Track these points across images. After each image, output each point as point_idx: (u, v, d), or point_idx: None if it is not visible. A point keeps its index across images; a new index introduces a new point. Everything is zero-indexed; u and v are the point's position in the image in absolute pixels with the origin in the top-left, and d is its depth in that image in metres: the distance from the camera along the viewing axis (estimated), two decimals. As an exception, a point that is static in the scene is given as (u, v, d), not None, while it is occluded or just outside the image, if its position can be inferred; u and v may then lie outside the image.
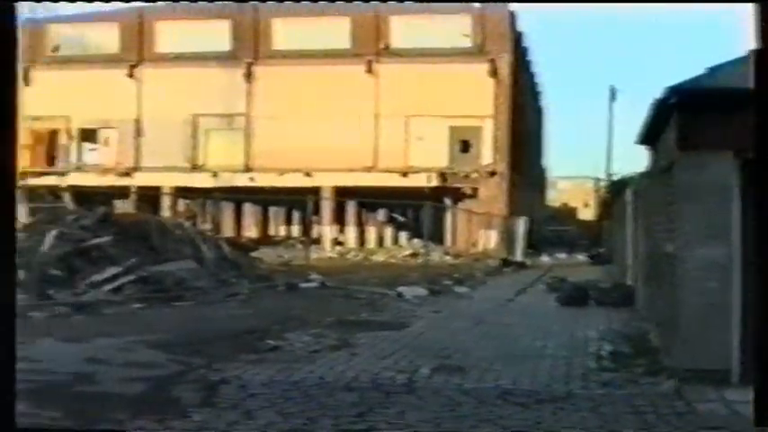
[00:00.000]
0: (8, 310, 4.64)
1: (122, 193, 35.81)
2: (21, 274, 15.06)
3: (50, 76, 42.94)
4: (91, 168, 43.95)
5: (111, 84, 42.79)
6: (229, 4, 38.31)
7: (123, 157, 44.11)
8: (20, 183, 40.01)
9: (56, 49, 44.99)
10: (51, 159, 45.23)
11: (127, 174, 42.74)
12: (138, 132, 43.90)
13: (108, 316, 13.25)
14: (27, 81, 41.79)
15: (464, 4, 40.40)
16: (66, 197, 37.87)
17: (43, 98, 41.20)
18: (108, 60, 43.66)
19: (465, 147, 41.99)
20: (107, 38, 44.29)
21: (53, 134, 44.99)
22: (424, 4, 40.79)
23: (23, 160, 41.31)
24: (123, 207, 30.73)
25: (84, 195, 32.79)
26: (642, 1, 7.34)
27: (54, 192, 39.53)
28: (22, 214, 36.45)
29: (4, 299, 4.58)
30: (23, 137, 41.87)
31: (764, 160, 4.24)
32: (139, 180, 41.36)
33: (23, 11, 48.79)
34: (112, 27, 44.10)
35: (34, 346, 9.96)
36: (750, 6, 4.53)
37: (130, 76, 43.65)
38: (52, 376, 8.22)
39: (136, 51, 43.94)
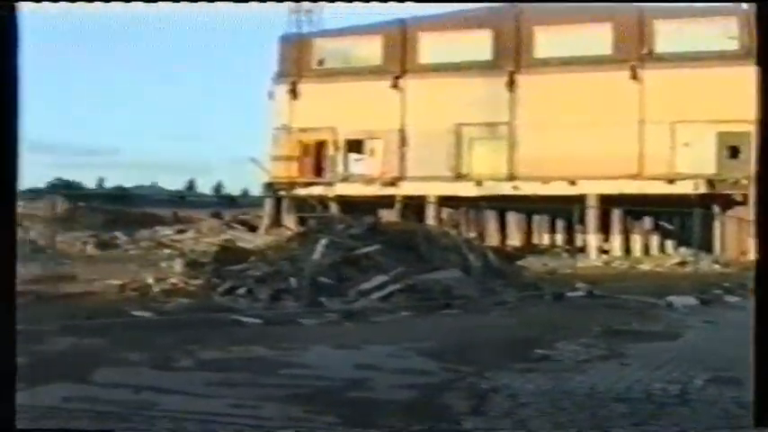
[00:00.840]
0: (8, 311, 4.69)
1: (387, 202, 36.94)
2: (292, 282, 16.04)
3: (316, 89, 45.11)
4: (357, 178, 45.70)
5: (375, 95, 44.30)
6: (491, 13, 38.60)
7: (388, 166, 45.51)
8: (289, 192, 42.44)
9: (321, 62, 47.25)
10: (319, 170, 47.53)
11: (392, 183, 44.04)
12: (403, 142, 45.14)
13: (377, 323, 13.67)
14: (295, 95, 44.25)
15: (732, 4, 38.62)
16: (333, 207, 39.66)
17: (310, 110, 43.43)
18: (372, 72, 45.22)
19: (733, 152, 39.95)
20: (370, 50, 45.93)
21: (320, 145, 47.23)
22: (687, 5, 39.36)
23: (293, 171, 43.83)
24: (388, 216, 31.74)
25: (350, 205, 34.19)
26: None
27: (322, 201, 41.52)
28: (292, 223, 38.72)
29: (4, 299, 4.62)
30: (293, 148, 44.40)
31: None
32: (404, 189, 42.50)
33: (296, 22, 51.65)
34: (376, 39, 45.66)
35: (307, 353, 10.49)
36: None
37: (394, 87, 44.97)
38: (325, 382, 8.59)
39: (399, 63, 45.22)
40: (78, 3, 4.86)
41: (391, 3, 4.86)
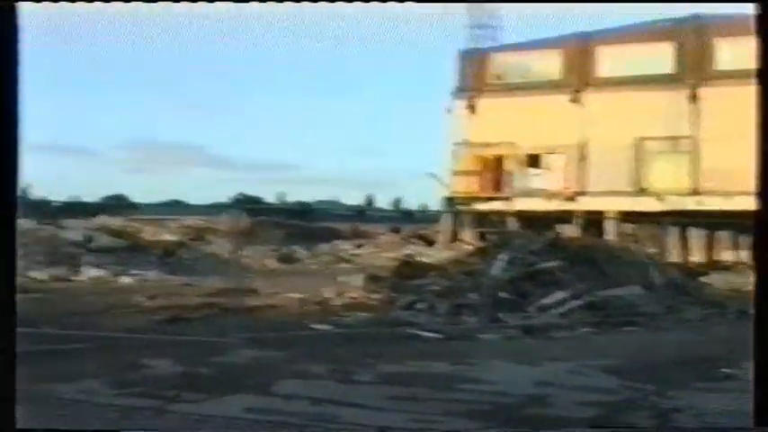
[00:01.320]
0: (8, 311, 4.59)
1: (566, 217, 36.19)
2: (472, 297, 15.92)
3: (495, 104, 44.89)
4: (536, 193, 45.13)
5: (554, 110, 43.65)
6: (673, 26, 37.21)
7: (568, 181, 44.72)
8: (468, 207, 42.36)
9: (500, 77, 47.01)
10: (498, 185, 47.22)
11: (572, 198, 43.23)
12: (583, 157, 44.25)
13: (557, 340, 13.42)
14: (473, 109, 44.21)
15: None
16: (512, 221, 39.26)
17: (488, 126, 43.24)
18: (551, 87, 44.61)
19: None
20: (550, 64, 45.32)
21: (499, 160, 46.93)
22: None
23: (472, 186, 43.79)
24: (567, 231, 31.11)
25: (528, 220, 33.71)
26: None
27: (501, 216, 41.17)
28: (471, 238, 38.60)
29: (4, 300, 4.54)
30: (472, 163, 44.34)
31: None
32: (583, 204, 41.62)
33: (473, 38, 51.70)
34: (555, 53, 45.04)
35: (485, 368, 10.35)
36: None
37: (574, 101, 44.19)
38: (504, 398, 8.44)
39: (579, 76, 44.42)
40: (79, 3, 4.72)
41: (391, 3, 4.64)
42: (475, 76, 44.72)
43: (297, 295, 18.55)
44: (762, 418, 4.48)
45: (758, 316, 4.85)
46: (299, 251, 36.39)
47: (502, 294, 15.76)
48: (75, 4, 4.65)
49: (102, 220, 35.77)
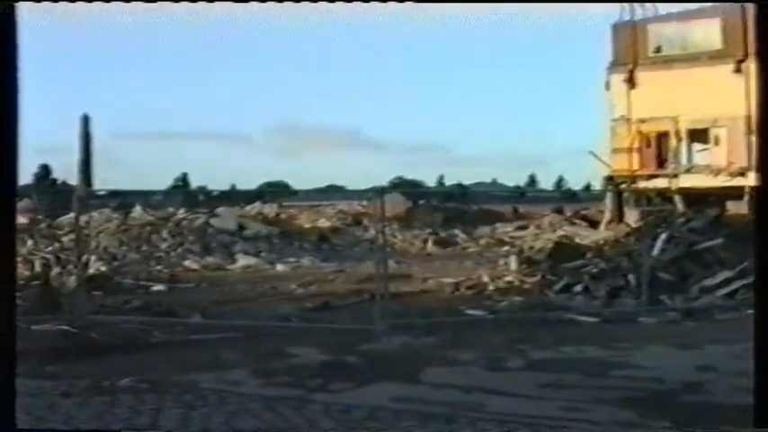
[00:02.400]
0: (8, 310, 4.34)
1: (733, 194, 34.58)
2: (631, 279, 15.44)
3: (654, 77, 43.34)
4: (701, 169, 43.38)
5: (716, 81, 41.77)
6: None
7: (734, 156, 42.75)
8: (630, 186, 41.21)
9: (658, 49, 45.38)
10: (660, 161, 45.68)
11: (741, 174, 41.31)
12: (749, 130, 42.22)
13: (721, 322, 12.84)
14: (632, 83, 42.82)
15: None
16: (676, 199, 37.85)
17: (648, 100, 41.77)
18: (712, 57, 42.74)
19: None
20: (709, 34, 43.41)
21: (661, 136, 45.37)
22: None
23: (633, 163, 42.46)
24: (735, 208, 29.72)
25: (693, 197, 32.43)
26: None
27: (663, 194, 39.77)
28: (633, 218, 37.45)
29: (4, 299, 4.30)
30: (633, 140, 43.00)
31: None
32: (752, 180, 39.70)
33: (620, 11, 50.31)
34: (714, 23, 43.10)
35: (642, 352, 9.98)
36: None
37: (737, 71, 42.19)
38: (661, 384, 8.09)
39: (741, 46, 42.36)
40: (79, 3, 4.67)
41: (391, 2, 4.51)
42: (631, 49, 43.30)
43: (451, 280, 18.47)
44: (762, 418, 3.99)
45: (758, 316, 4.40)
46: (458, 234, 36.28)
47: (662, 275, 15.20)
48: (76, 4, 4.73)
49: (257, 207, 36.71)
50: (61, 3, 4.43)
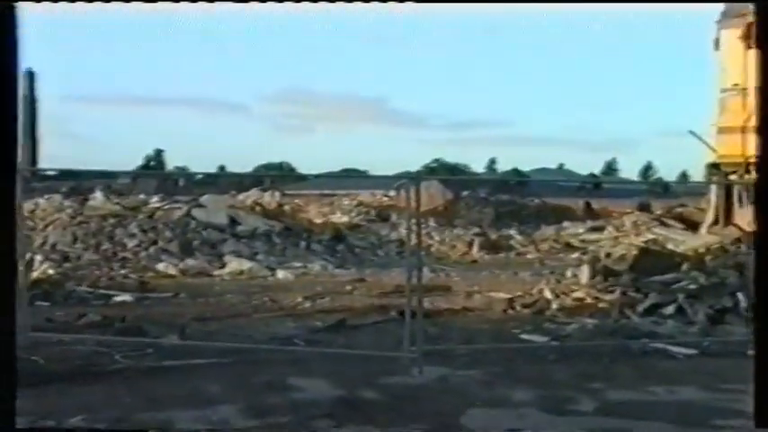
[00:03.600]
0: (8, 309, 5.63)
1: None
2: (741, 299, 15.40)
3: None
4: None
5: None
6: None
7: None
8: (742, 176, 40.98)
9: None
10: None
11: None
12: None
13: None
14: (748, 41, 42.60)
15: None
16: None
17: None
18: None
19: None
20: None
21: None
22: None
23: (749, 147, 42.14)
24: None
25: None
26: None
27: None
28: (746, 217, 37.15)
29: (4, 300, 5.57)
30: (748, 116, 42.74)
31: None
32: None
33: None
34: None
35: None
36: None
37: None
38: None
39: None
40: (79, 3, 5.85)
41: (392, 2, 5.75)
42: (748, -3, 43.03)
43: (503, 295, 18.50)
44: (762, 418, 5.33)
45: (758, 315, 5.72)
46: (513, 236, 36.26)
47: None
48: (74, 4, 5.73)
49: (254, 195, 36.92)
50: (61, 3, 5.75)
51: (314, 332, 14.51)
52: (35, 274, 19.72)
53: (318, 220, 35.00)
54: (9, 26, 5.29)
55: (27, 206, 15.35)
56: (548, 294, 18.07)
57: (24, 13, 5.47)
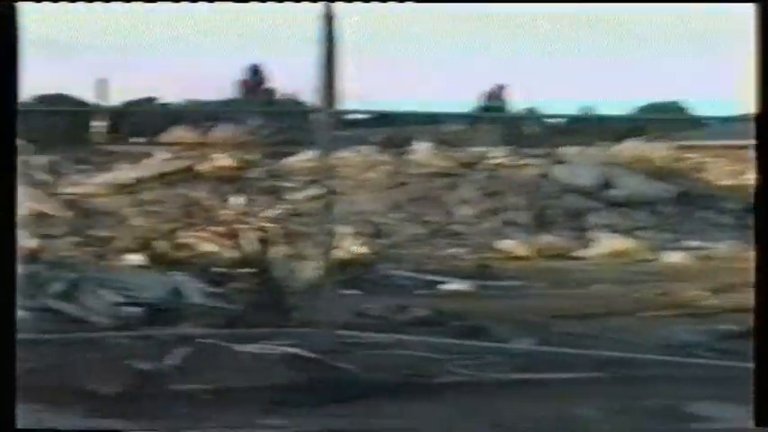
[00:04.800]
0: (8, 309, 6.77)
1: None
2: None
3: None
4: None
5: None
6: None
7: None
8: None
9: None
10: None
11: None
12: None
13: None
14: None
15: None
16: None
17: None
18: None
19: None
20: None
21: None
22: None
23: None
24: None
25: None
26: None
27: None
28: None
29: (4, 297, 6.69)
30: None
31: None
32: None
33: None
34: None
35: None
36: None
37: None
38: None
39: None
40: (79, 2, 7.85)
41: (391, 3, 7.19)
42: None
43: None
44: (762, 418, 6.51)
45: (758, 315, 7.24)
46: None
47: None
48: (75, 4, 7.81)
49: (634, 147, 36.39)
50: (61, 3, 7.92)
51: (724, 339, 14.14)
52: (341, 254, 20.14)
53: (727, 182, 34.18)
54: (10, 26, 6.54)
55: (329, 161, 15.56)
56: None
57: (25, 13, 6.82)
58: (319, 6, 13.38)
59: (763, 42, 6.88)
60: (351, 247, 22.23)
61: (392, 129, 33.71)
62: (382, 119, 34.53)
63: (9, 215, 6.76)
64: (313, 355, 12.17)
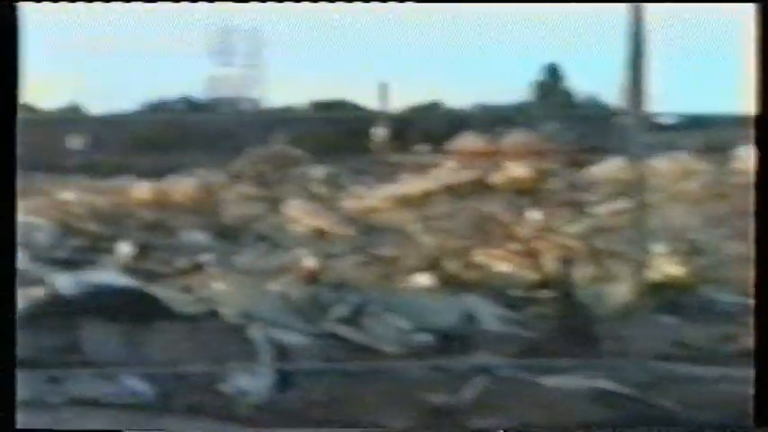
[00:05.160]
0: (8, 309, 7.21)
1: None
2: None
3: None
4: None
5: None
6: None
7: None
8: None
9: None
10: None
11: None
12: None
13: None
14: None
15: None
16: None
17: None
18: None
19: None
20: None
21: None
22: None
23: None
24: None
25: None
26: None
27: None
28: None
29: (4, 300, 7.13)
30: None
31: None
32: None
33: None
34: None
35: None
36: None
37: None
38: None
39: None
40: (79, 2, 8.44)
41: (392, 2, 8.05)
42: None
43: None
44: (762, 418, 7.58)
45: (758, 315, 8.39)
46: None
47: None
48: (76, 3, 8.55)
49: None
50: (61, 3, 8.82)
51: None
52: (653, 275, 19.75)
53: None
54: (11, 26, 7.03)
55: (639, 170, 15.41)
56: None
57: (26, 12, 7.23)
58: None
59: (763, 42, 7.56)
60: (666, 267, 21.78)
61: (707, 132, 33.19)
62: (694, 122, 34.00)
63: (9, 212, 7.17)
64: (625, 391, 12.01)
